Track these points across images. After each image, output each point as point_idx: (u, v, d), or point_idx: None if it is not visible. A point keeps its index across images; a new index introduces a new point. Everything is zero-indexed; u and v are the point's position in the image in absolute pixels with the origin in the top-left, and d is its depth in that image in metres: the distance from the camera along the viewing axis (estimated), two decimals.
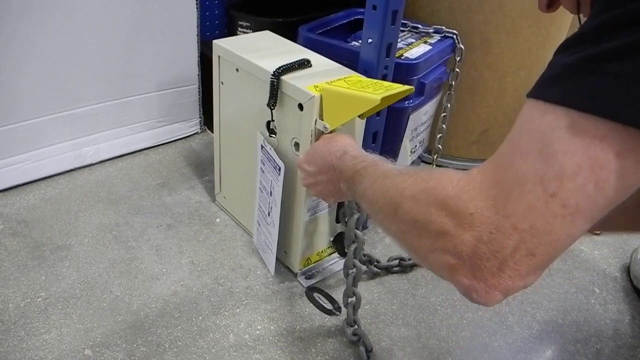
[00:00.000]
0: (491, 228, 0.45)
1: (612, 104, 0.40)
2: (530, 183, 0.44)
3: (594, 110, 0.41)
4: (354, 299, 0.96)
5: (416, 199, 0.53)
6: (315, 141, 0.91)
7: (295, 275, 1.10)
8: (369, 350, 0.93)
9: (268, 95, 0.95)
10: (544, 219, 0.43)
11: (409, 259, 1.14)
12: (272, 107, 0.96)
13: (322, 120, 0.90)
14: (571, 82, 0.43)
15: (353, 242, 0.95)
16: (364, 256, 1.09)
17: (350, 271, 0.95)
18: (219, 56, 1.08)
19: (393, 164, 0.69)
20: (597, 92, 0.41)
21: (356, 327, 0.96)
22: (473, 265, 0.46)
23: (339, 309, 1.00)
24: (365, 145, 1.05)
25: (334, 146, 0.81)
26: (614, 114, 0.40)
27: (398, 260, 1.13)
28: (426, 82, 1.15)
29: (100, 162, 1.39)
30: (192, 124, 1.54)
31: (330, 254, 1.15)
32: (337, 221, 1.10)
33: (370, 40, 0.99)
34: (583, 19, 0.53)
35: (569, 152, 0.42)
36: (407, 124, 1.17)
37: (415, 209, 0.53)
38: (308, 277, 1.10)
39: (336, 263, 1.14)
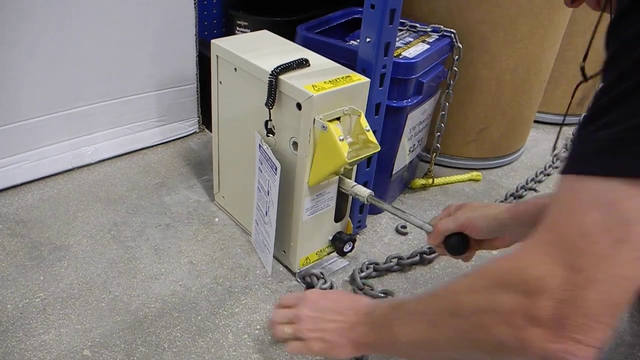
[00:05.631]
0: (566, 286, 0.44)
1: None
2: (594, 234, 0.44)
3: (625, 175, 0.43)
4: None
5: (474, 289, 0.53)
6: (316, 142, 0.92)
7: (294, 274, 1.10)
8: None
9: (266, 95, 0.95)
10: (619, 266, 0.43)
11: (408, 258, 1.14)
12: (270, 107, 0.96)
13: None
14: (614, 156, 0.44)
15: None
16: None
17: None
18: (217, 56, 1.08)
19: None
20: (624, 163, 0.43)
21: None
22: (559, 327, 0.45)
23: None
24: None
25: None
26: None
27: (396, 259, 1.13)
28: (424, 81, 1.15)
29: (99, 161, 1.39)
30: (191, 124, 1.54)
31: (329, 253, 1.15)
32: (337, 220, 1.10)
33: (368, 39, 0.99)
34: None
35: (628, 197, 0.43)
36: (405, 123, 1.17)
37: (476, 299, 0.52)
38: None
39: (335, 262, 1.14)
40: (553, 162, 1.58)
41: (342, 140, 0.91)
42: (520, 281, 0.47)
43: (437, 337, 0.57)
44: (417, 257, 1.15)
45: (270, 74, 0.93)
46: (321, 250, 1.12)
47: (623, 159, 0.44)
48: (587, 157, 0.46)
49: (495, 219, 0.78)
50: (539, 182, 1.50)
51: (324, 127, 0.90)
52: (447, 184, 1.46)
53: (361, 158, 0.94)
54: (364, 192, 1.00)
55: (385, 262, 1.13)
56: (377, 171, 1.15)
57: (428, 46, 1.20)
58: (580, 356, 0.44)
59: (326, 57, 1.04)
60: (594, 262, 0.43)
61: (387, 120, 1.10)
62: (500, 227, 0.78)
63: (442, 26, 1.26)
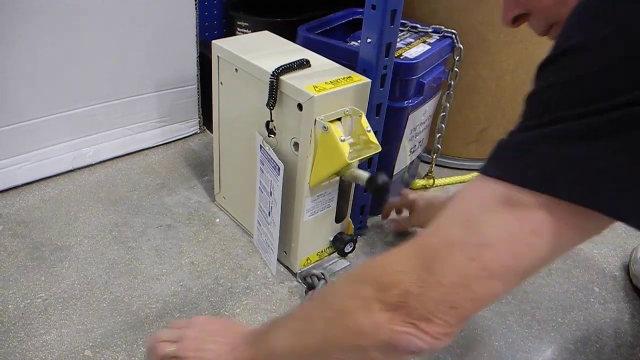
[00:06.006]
0: (419, 282, 0.51)
1: (533, 177, 0.47)
2: (456, 247, 0.50)
3: (517, 181, 0.48)
4: None
5: (347, 282, 0.60)
6: (316, 142, 0.92)
7: (295, 275, 1.10)
8: None
9: (267, 96, 0.95)
10: (465, 279, 0.50)
11: None
12: (272, 107, 0.96)
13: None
14: (503, 161, 0.51)
15: None
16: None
17: None
18: (218, 56, 1.08)
19: None
20: (521, 167, 0.48)
21: None
22: (406, 314, 0.52)
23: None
24: None
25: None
26: (534, 185, 0.47)
27: None
28: (425, 81, 1.15)
29: (100, 162, 1.39)
30: (192, 124, 1.54)
31: (330, 254, 1.15)
32: (337, 221, 1.10)
33: (369, 40, 0.99)
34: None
35: (491, 225, 0.49)
36: (406, 124, 1.17)
37: (345, 290, 0.59)
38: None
39: (336, 263, 1.14)
40: None
41: (343, 140, 0.91)
42: (383, 273, 0.55)
43: (309, 331, 0.62)
44: None
45: (271, 75, 0.93)
46: (322, 251, 1.12)
47: (498, 164, 0.50)
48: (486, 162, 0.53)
49: (436, 209, 0.87)
50: None
51: (324, 127, 0.90)
52: (448, 184, 1.46)
53: (362, 159, 0.94)
54: (363, 175, 0.96)
55: None
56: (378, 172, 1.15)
57: (429, 47, 1.20)
58: (422, 340, 0.51)
59: (327, 57, 1.04)
60: (446, 269, 0.50)
61: (387, 121, 1.10)
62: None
63: (442, 27, 1.26)
